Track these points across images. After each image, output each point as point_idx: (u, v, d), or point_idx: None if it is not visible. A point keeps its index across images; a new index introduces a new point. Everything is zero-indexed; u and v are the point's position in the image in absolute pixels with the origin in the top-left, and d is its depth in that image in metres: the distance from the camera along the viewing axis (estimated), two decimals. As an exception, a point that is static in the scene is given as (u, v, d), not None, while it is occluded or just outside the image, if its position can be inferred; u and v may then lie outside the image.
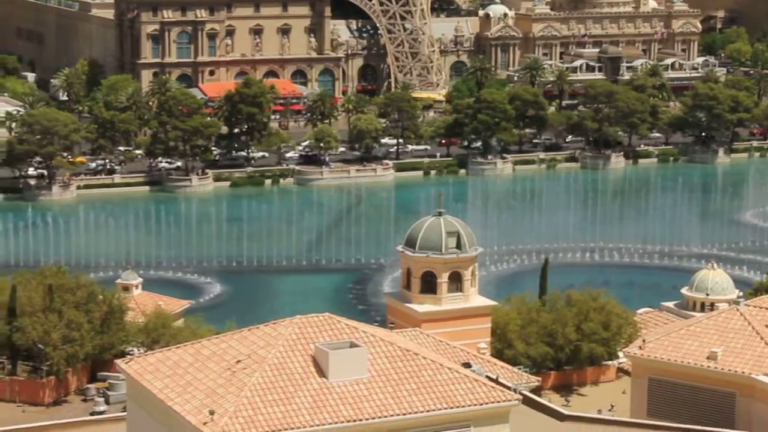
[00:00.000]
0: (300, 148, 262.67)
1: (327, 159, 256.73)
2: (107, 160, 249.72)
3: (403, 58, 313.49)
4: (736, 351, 74.03)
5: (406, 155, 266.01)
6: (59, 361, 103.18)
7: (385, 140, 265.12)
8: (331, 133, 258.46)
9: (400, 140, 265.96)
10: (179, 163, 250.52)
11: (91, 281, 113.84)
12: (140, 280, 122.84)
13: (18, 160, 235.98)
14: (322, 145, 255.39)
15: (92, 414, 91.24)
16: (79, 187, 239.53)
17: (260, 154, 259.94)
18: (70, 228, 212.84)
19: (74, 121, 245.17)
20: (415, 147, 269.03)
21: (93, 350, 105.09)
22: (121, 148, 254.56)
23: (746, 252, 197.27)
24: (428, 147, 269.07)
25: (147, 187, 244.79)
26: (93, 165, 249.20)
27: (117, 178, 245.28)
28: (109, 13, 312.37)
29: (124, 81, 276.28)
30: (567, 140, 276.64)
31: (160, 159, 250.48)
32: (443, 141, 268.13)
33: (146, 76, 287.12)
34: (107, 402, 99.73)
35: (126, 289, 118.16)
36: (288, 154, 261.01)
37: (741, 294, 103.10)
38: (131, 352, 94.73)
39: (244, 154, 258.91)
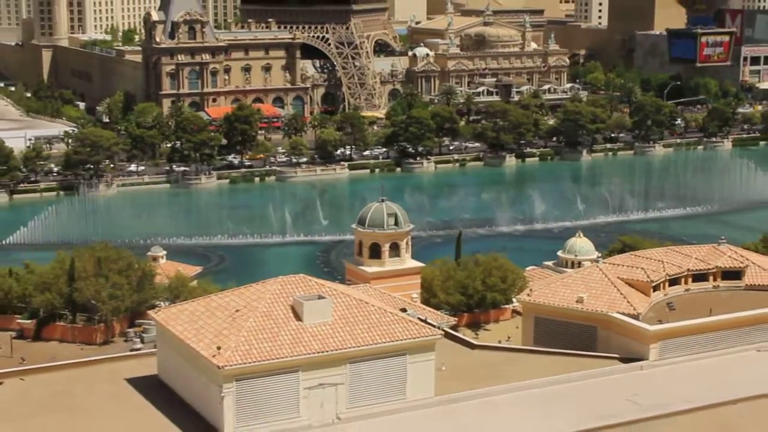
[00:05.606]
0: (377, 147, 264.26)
1: (300, 161, 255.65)
2: (139, 165, 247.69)
3: (353, 87, 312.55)
4: (597, 296, 74.22)
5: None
6: (107, 313, 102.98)
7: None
8: (302, 143, 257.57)
9: (354, 147, 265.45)
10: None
11: (129, 253, 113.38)
12: (165, 252, 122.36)
13: (73, 166, 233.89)
14: (295, 152, 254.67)
15: (131, 350, 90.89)
16: (119, 186, 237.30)
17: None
18: (113, 215, 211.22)
19: (114, 137, 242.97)
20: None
21: (131, 304, 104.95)
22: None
23: (603, 223, 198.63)
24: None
25: (168, 185, 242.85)
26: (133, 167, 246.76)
27: (146, 178, 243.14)
28: (138, 58, 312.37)
29: (150, 107, 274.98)
30: (473, 145, 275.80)
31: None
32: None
33: (166, 103, 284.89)
34: (142, 341, 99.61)
35: (155, 259, 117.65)
36: (365, 152, 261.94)
37: (599, 255, 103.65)
38: (159, 305, 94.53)
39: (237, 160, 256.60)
